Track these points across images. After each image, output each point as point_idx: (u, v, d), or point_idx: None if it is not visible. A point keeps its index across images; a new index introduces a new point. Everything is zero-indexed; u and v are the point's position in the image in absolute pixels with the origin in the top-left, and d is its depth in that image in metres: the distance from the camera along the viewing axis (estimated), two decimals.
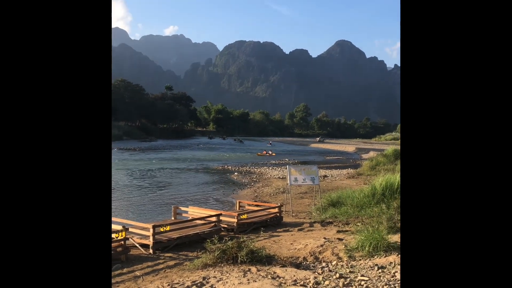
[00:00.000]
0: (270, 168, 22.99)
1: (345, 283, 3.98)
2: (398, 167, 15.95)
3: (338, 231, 7.36)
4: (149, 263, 5.65)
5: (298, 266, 4.99)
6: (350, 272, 4.43)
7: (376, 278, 4.11)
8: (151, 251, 6.21)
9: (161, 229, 6.52)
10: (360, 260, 5.09)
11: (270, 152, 36.10)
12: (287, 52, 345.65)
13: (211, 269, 4.85)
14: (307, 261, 5.32)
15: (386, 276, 4.14)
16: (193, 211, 8.42)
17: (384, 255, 5.07)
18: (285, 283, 3.99)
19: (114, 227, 5.95)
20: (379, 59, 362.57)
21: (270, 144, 59.59)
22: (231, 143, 62.92)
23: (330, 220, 8.57)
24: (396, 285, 3.85)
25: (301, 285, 3.92)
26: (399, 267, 4.40)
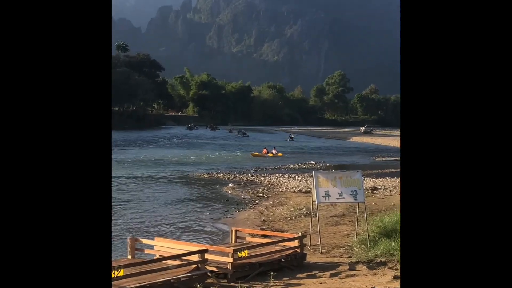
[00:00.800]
0: (286, 176, 23.10)
1: None
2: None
3: (395, 278, 7.41)
4: None
5: None
6: None
7: None
8: None
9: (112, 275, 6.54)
10: None
11: (274, 152, 36.07)
12: None
13: None
14: None
15: None
16: (162, 246, 8.45)
17: None
18: None
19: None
20: None
21: (292, 138, 59.43)
22: (226, 137, 63.84)
23: (383, 260, 8.64)
24: None
25: None
26: None
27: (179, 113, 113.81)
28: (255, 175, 23.37)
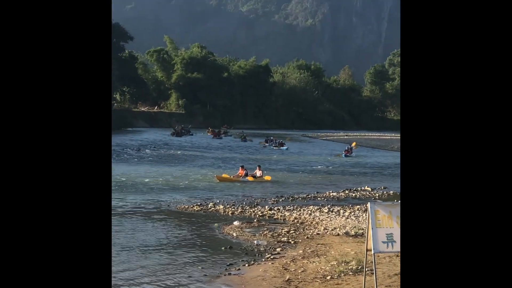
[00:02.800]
0: (324, 209, 23.13)
1: None
2: None
3: None
4: None
5: None
6: None
7: None
8: None
9: None
10: None
11: (257, 173, 35.78)
12: None
13: None
14: None
15: None
16: None
17: None
18: None
19: None
20: None
21: (349, 151, 59.04)
22: (241, 146, 65.58)
23: None
24: None
25: None
26: None
27: (155, 108, 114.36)
28: (275, 208, 23.44)
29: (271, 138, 72.30)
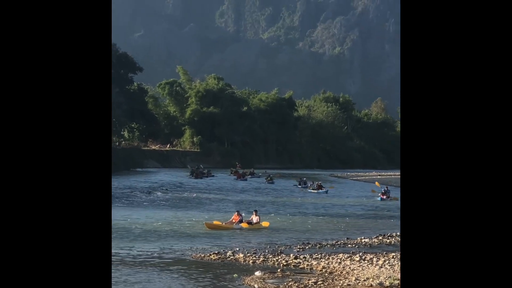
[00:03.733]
0: (356, 257, 23.10)
1: None
2: None
3: None
4: None
5: None
6: None
7: None
8: None
9: None
10: None
11: (253, 219, 34.70)
12: None
13: None
14: None
15: None
16: None
17: None
18: None
19: None
20: None
21: (386, 195, 58.79)
22: (268, 188, 66.06)
23: None
24: None
25: None
26: None
27: (167, 147, 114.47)
28: (301, 256, 23.45)
29: (304, 179, 71.53)
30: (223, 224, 34.09)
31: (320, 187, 64.49)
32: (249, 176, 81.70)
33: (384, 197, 56.11)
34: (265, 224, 34.60)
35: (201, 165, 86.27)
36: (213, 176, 79.94)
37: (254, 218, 34.72)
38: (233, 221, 34.44)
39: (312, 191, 63.48)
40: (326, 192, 62.42)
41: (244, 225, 33.78)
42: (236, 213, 35.12)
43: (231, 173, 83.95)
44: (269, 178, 75.11)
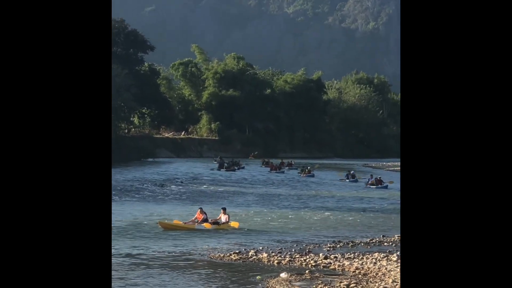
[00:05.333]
0: (393, 256, 23.05)
1: None
2: None
3: None
4: None
5: None
6: None
7: None
8: None
9: None
10: None
11: (222, 218, 33.13)
12: None
13: None
14: None
15: None
16: None
17: None
18: None
19: None
20: None
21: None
22: (306, 181, 65.96)
23: None
24: None
25: None
26: None
27: (182, 134, 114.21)
28: (331, 256, 23.44)
29: (352, 172, 70.40)
30: (184, 223, 32.62)
31: (380, 182, 62.92)
32: (286, 167, 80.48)
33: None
34: (234, 224, 33.05)
35: (218, 156, 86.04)
36: (243, 167, 79.56)
37: (223, 217, 33.36)
38: (196, 219, 33.02)
39: (371, 186, 61.72)
40: (386, 187, 60.97)
41: (207, 225, 32.16)
42: (199, 210, 33.25)
43: (263, 164, 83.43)
44: (307, 171, 72.80)
